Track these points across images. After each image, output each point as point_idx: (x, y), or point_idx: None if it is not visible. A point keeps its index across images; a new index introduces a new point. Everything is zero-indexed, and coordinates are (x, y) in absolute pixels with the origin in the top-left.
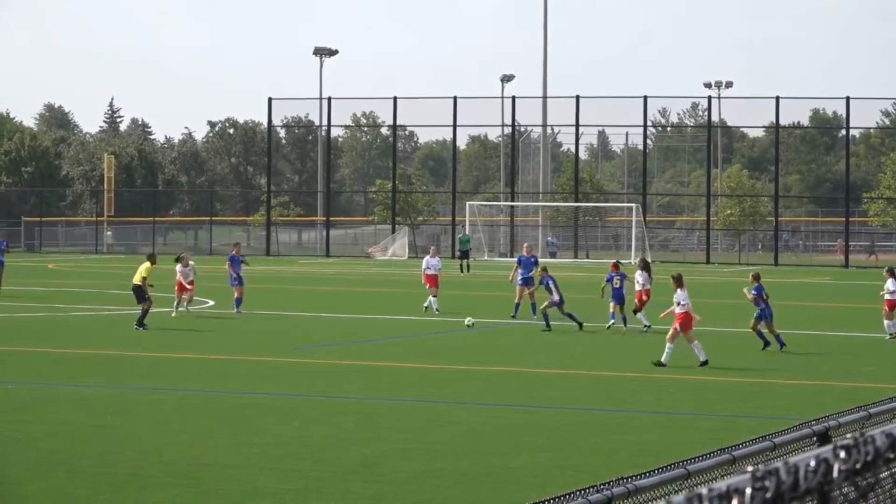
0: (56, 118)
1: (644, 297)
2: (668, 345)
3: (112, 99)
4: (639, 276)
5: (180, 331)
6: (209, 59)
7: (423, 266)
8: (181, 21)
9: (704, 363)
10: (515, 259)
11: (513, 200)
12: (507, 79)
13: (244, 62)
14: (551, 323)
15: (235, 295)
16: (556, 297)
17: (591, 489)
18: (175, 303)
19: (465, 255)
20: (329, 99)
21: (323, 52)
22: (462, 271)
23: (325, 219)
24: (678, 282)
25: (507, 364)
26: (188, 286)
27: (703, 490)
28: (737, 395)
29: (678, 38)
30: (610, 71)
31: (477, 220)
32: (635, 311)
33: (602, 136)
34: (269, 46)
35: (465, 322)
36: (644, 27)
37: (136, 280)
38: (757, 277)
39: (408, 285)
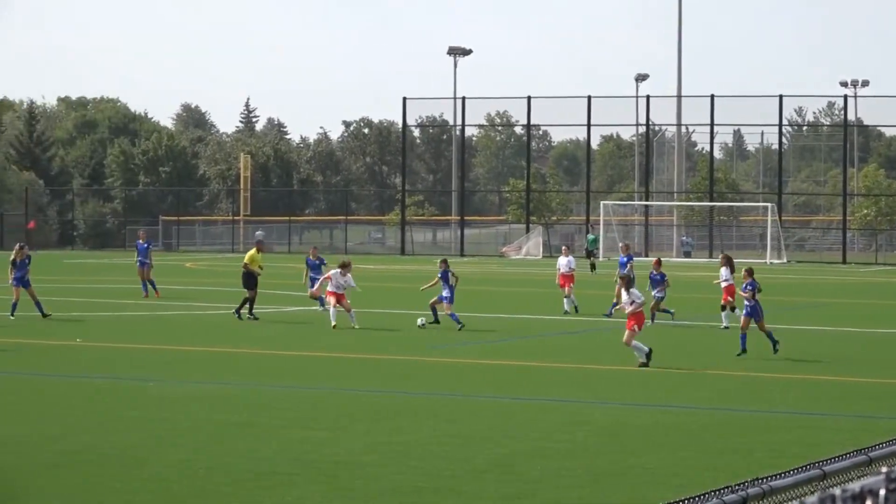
0: (193, 118)
1: (729, 296)
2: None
3: (248, 99)
4: (723, 272)
5: (311, 329)
6: (344, 60)
7: (558, 265)
8: (316, 21)
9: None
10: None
11: (647, 200)
12: (641, 78)
13: (379, 62)
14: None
15: (318, 295)
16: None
17: (727, 489)
18: (331, 308)
19: (590, 254)
20: (463, 98)
21: (457, 52)
22: (591, 270)
23: (459, 218)
24: (629, 283)
25: (630, 365)
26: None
27: (837, 491)
28: (875, 395)
29: (814, 36)
30: (745, 70)
31: (611, 219)
32: (723, 308)
33: (737, 136)
34: (403, 46)
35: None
36: (780, 25)
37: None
38: (750, 272)
39: (542, 285)
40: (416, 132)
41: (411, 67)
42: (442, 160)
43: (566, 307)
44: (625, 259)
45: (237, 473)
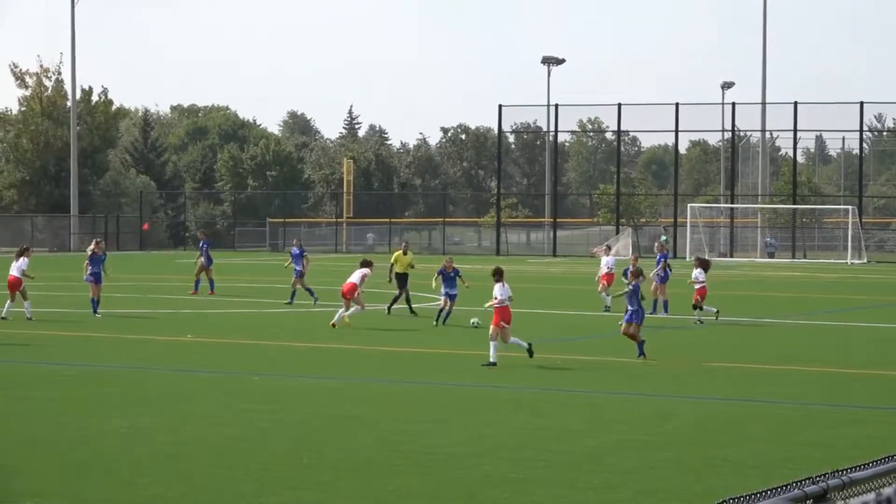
0: (298, 125)
1: (699, 296)
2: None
3: (351, 106)
4: (696, 274)
5: (405, 326)
6: (442, 69)
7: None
8: (415, 32)
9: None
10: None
11: (732, 202)
12: (727, 86)
13: (476, 71)
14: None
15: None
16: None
17: (807, 481)
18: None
19: None
20: (556, 106)
21: (550, 61)
22: None
23: (552, 220)
24: (498, 275)
25: (726, 360)
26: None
27: None
28: None
29: (895, 42)
30: (827, 77)
31: (698, 221)
32: (695, 307)
33: (819, 141)
34: (499, 56)
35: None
36: (860, 35)
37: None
38: (637, 274)
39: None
40: (511, 138)
41: (507, 76)
42: (535, 165)
43: (607, 303)
44: (661, 257)
45: (338, 463)
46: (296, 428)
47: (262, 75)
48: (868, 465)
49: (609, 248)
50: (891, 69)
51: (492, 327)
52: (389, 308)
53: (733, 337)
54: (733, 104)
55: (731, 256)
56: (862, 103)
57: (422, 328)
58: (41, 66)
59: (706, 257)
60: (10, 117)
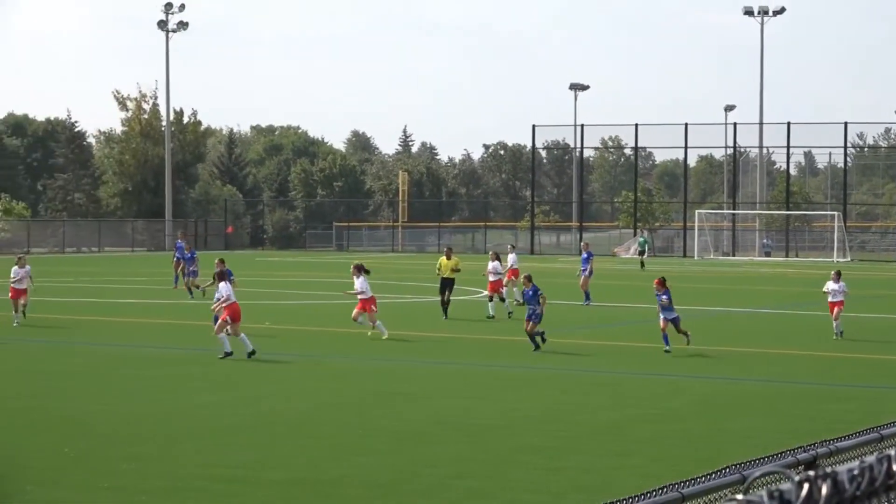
0: (360, 142)
1: (494, 289)
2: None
3: (405, 126)
4: (493, 265)
5: (465, 312)
6: (485, 93)
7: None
8: (462, 62)
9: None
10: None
11: (734, 209)
12: (729, 108)
13: (513, 96)
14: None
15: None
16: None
17: (799, 449)
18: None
19: (641, 253)
20: (582, 126)
21: (577, 87)
22: (641, 268)
23: (578, 224)
24: (359, 271)
25: (729, 344)
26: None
27: (892, 452)
28: None
29: (874, 70)
30: (816, 101)
31: (704, 224)
32: (490, 299)
33: (809, 156)
34: (533, 83)
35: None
36: (845, 63)
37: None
38: (529, 278)
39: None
40: (543, 153)
41: (540, 100)
42: (564, 176)
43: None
44: (585, 256)
45: (392, 433)
46: (356, 403)
47: (329, 99)
48: (852, 435)
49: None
50: (871, 94)
51: (356, 311)
52: (446, 314)
53: (735, 325)
54: (735, 124)
55: (733, 256)
56: (846, 123)
57: (467, 319)
58: (140, 91)
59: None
60: (114, 136)
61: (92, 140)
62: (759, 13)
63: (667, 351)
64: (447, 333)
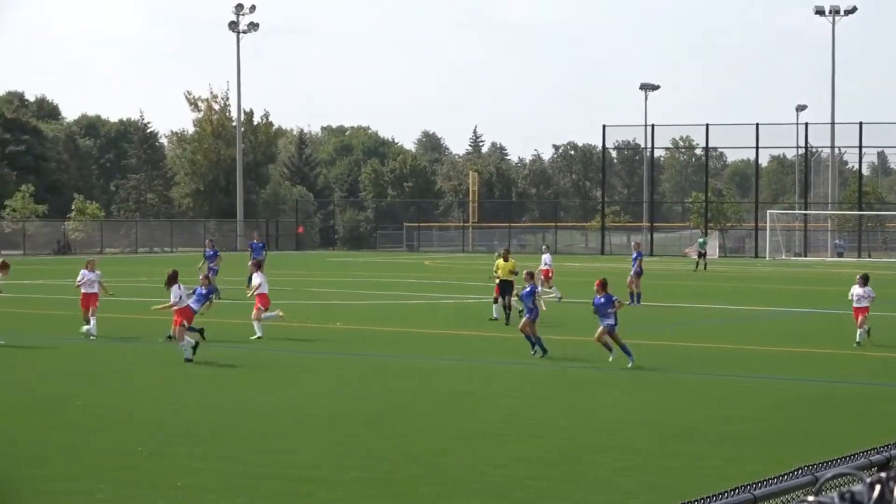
0: (431, 142)
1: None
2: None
3: (475, 126)
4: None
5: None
6: (555, 94)
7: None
8: (532, 63)
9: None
10: None
11: (806, 209)
12: (801, 108)
13: (583, 96)
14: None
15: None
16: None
17: (872, 451)
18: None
19: (701, 255)
20: (652, 126)
21: (647, 87)
22: (703, 269)
23: (649, 224)
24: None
25: (799, 345)
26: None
27: None
28: None
29: None
30: (889, 99)
31: (775, 225)
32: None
33: (882, 156)
34: (603, 83)
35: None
36: None
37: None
38: (528, 274)
39: (719, 279)
40: (614, 153)
41: (610, 100)
42: (634, 176)
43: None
44: (636, 255)
45: (459, 433)
46: (425, 403)
47: (400, 100)
48: None
49: (548, 247)
50: None
51: (177, 328)
52: (508, 319)
53: (807, 325)
54: (806, 124)
55: (805, 256)
56: None
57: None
58: (211, 92)
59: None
60: (186, 137)
61: (164, 141)
62: (830, 12)
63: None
64: (509, 334)
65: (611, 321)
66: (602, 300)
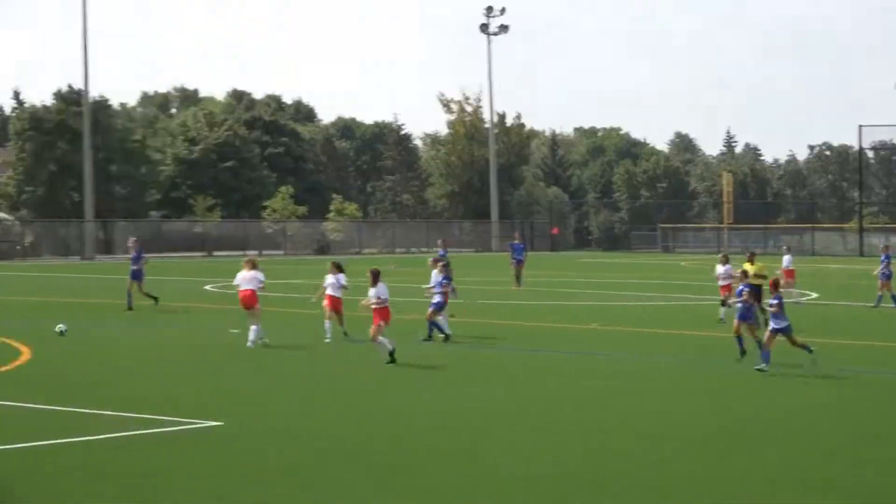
0: (684, 144)
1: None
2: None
3: (729, 128)
4: (723, 270)
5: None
6: (807, 94)
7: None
8: (785, 61)
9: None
10: None
11: None
12: None
13: (839, 96)
14: None
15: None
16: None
17: None
18: None
19: None
20: None
21: None
22: None
23: None
24: (375, 278)
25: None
26: None
27: None
28: None
29: None
30: None
31: None
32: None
33: None
34: (859, 83)
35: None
36: None
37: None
38: (744, 276)
39: None
40: (870, 154)
41: (866, 100)
42: (892, 177)
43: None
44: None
45: (617, 431)
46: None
47: (651, 101)
48: None
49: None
50: None
51: (373, 327)
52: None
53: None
54: None
55: None
56: None
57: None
58: (463, 94)
59: None
60: (439, 139)
61: (418, 142)
62: None
63: (760, 369)
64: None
65: (784, 322)
66: (776, 301)
